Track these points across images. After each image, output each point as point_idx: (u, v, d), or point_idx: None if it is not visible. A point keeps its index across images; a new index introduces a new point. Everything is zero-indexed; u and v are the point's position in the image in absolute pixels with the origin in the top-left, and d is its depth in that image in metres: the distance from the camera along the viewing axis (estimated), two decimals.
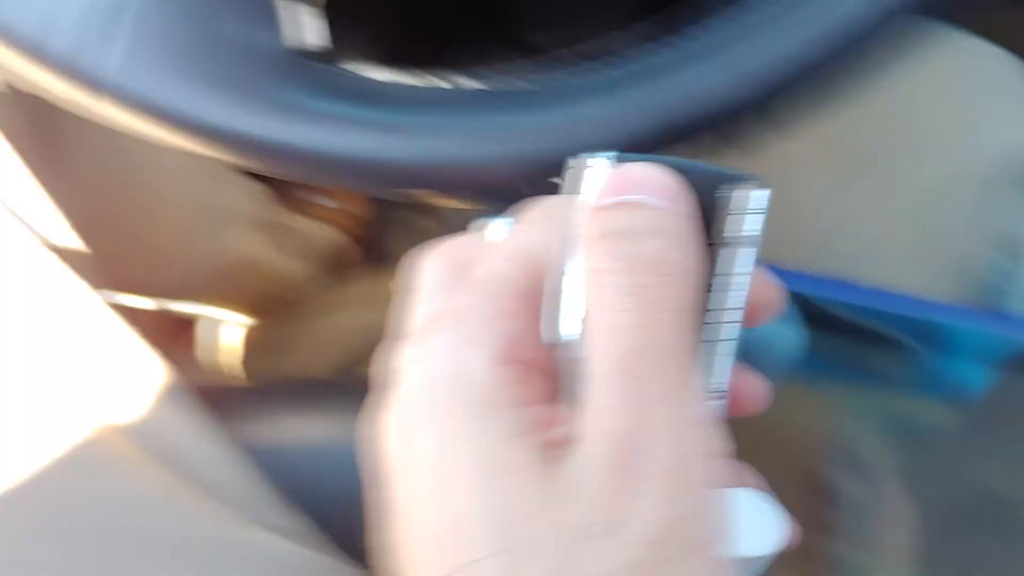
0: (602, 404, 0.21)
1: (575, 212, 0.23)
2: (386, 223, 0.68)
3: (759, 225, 0.23)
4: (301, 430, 0.44)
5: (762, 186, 0.23)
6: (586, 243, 0.23)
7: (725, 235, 0.23)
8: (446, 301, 0.24)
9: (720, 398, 0.24)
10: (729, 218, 0.23)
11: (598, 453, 0.21)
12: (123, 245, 0.51)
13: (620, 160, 0.23)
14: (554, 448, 0.22)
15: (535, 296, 0.24)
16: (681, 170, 0.23)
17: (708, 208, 0.23)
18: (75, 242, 0.44)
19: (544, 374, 0.23)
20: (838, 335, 0.46)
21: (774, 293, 0.26)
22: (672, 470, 0.21)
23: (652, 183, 0.23)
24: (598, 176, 0.23)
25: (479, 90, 0.33)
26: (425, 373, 0.23)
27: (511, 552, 0.20)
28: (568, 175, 0.24)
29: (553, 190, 0.25)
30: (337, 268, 0.65)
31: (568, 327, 0.23)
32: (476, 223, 0.28)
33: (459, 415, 0.22)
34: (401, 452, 0.23)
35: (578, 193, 0.23)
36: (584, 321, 0.23)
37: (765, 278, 0.25)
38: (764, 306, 0.26)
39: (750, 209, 0.23)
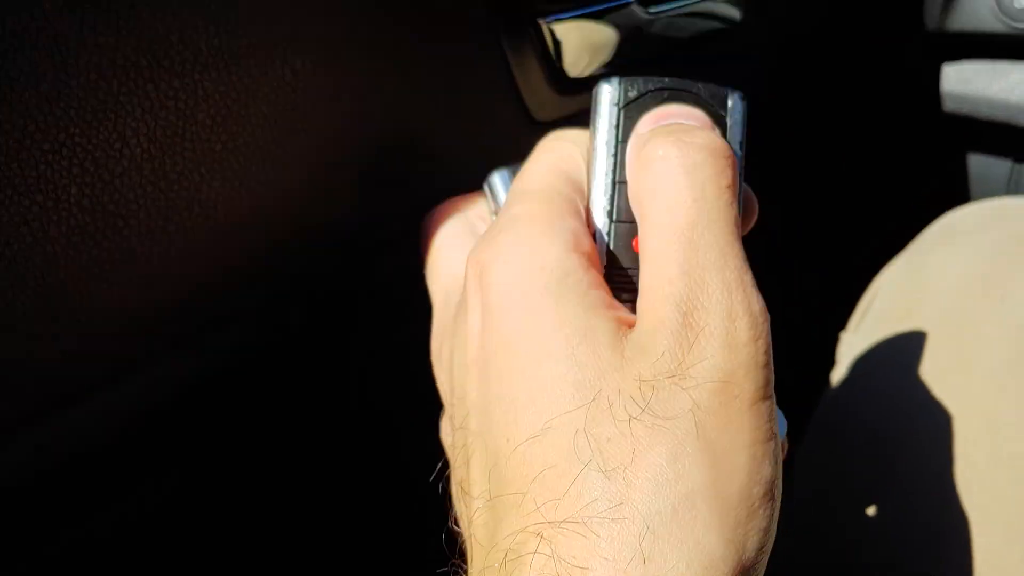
0: (664, 272, 0.25)
1: (601, 121, 0.29)
2: None
3: (745, 129, 0.29)
4: None
5: (744, 96, 0.30)
6: (640, 142, 0.28)
7: (728, 138, 0.29)
8: (507, 211, 0.28)
9: None
10: (731, 124, 0.29)
11: (663, 315, 0.25)
12: None
13: (621, 81, 0.29)
14: (622, 322, 0.26)
15: (576, 200, 0.29)
16: (686, 90, 0.29)
17: (712, 117, 0.29)
18: None
19: (598, 268, 0.28)
20: None
21: (754, 199, 0.31)
22: (728, 325, 0.24)
23: (685, 111, 0.29)
24: (609, 92, 0.29)
25: None
26: (510, 265, 0.27)
27: (593, 404, 0.24)
28: (593, 94, 0.30)
29: None
30: None
31: (619, 214, 0.28)
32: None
33: (544, 294, 0.26)
34: (498, 330, 0.26)
35: (600, 108, 0.29)
36: (638, 205, 0.27)
37: (746, 186, 0.30)
38: (750, 212, 0.31)
39: (742, 116, 0.29)
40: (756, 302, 0.25)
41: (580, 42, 0.45)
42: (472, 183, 0.42)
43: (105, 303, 0.33)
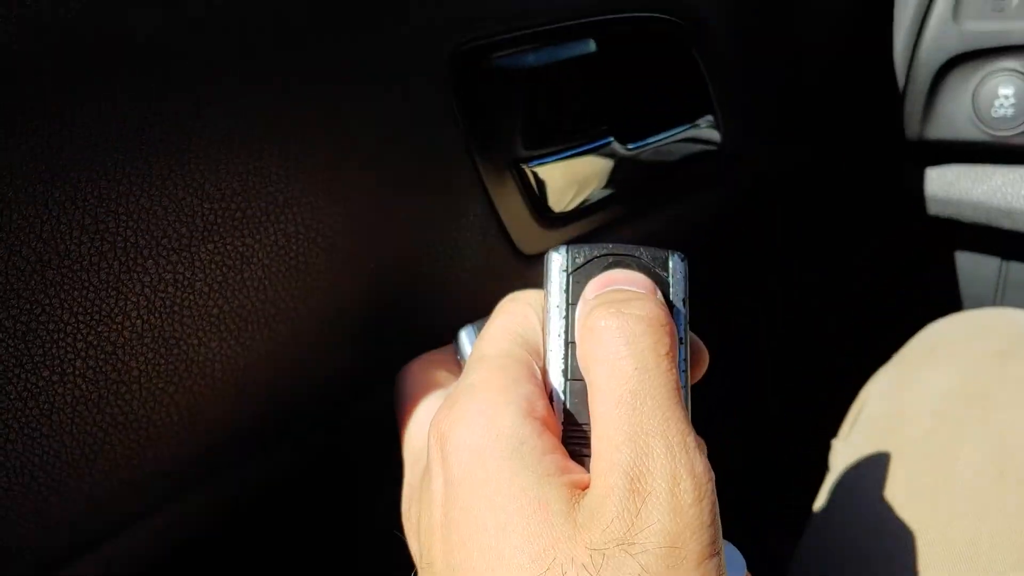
0: (611, 437, 0.26)
1: (553, 286, 0.31)
2: None
3: (686, 287, 0.31)
4: None
5: (684, 257, 0.31)
6: (586, 309, 0.29)
7: (672, 298, 0.30)
8: (466, 377, 0.30)
9: None
10: (673, 283, 0.31)
11: (611, 482, 0.26)
12: None
13: (569, 249, 0.31)
14: (574, 487, 0.27)
15: (531, 362, 0.30)
16: (629, 255, 0.31)
17: (655, 280, 0.31)
18: None
19: (553, 430, 0.29)
20: None
21: (703, 349, 0.32)
22: (672, 488, 0.25)
23: (627, 277, 0.30)
24: (559, 259, 0.31)
25: None
26: (468, 435, 0.28)
27: (547, 574, 0.25)
28: (545, 261, 0.31)
29: None
30: None
31: (574, 373, 0.30)
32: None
33: (500, 465, 0.27)
34: (458, 500, 0.28)
35: (551, 274, 0.31)
36: (585, 370, 0.28)
37: (694, 336, 0.32)
38: (699, 361, 0.32)
39: (683, 275, 0.31)
40: (699, 463, 0.26)
41: (564, 180, 0.47)
42: (464, 311, 0.43)
43: (106, 464, 0.34)
